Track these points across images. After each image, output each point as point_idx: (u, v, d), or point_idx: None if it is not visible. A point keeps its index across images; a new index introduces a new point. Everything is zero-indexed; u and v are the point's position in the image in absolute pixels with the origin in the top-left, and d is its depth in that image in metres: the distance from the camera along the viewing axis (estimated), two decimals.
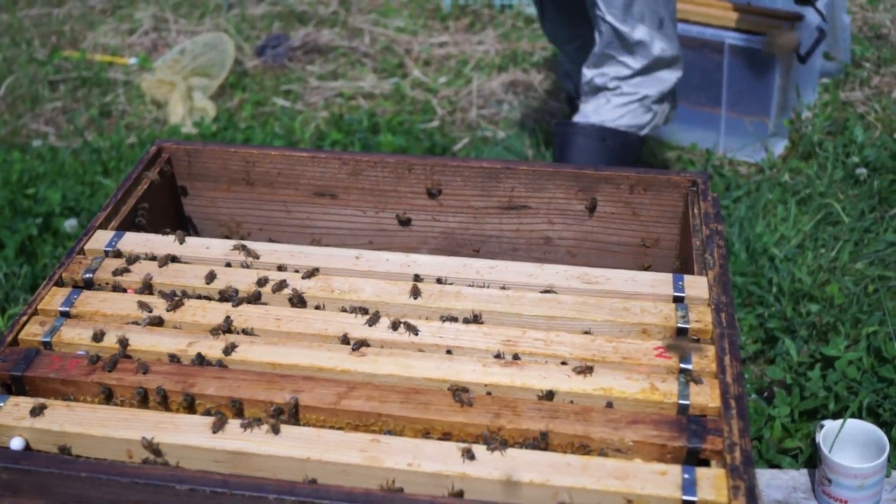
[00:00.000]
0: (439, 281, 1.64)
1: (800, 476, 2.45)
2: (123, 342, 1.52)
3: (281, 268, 1.70)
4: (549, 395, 1.43)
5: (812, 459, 2.47)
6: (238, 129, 3.96)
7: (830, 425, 2.37)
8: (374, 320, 1.56)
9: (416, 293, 1.61)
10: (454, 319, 1.57)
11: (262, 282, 1.64)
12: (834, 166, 3.39)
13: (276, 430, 1.38)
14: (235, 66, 4.43)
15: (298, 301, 1.62)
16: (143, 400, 1.46)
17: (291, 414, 1.42)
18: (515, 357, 1.50)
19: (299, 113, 4.11)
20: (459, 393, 1.41)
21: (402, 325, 1.55)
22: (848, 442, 2.37)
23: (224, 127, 3.97)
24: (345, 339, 1.54)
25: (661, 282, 1.62)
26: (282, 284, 1.64)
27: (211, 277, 1.65)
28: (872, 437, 2.35)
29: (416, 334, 1.54)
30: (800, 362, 2.65)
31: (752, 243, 3.06)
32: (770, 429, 2.52)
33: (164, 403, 1.46)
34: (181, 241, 1.75)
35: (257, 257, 1.71)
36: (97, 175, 3.66)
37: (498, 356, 1.50)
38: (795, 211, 3.20)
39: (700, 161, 3.55)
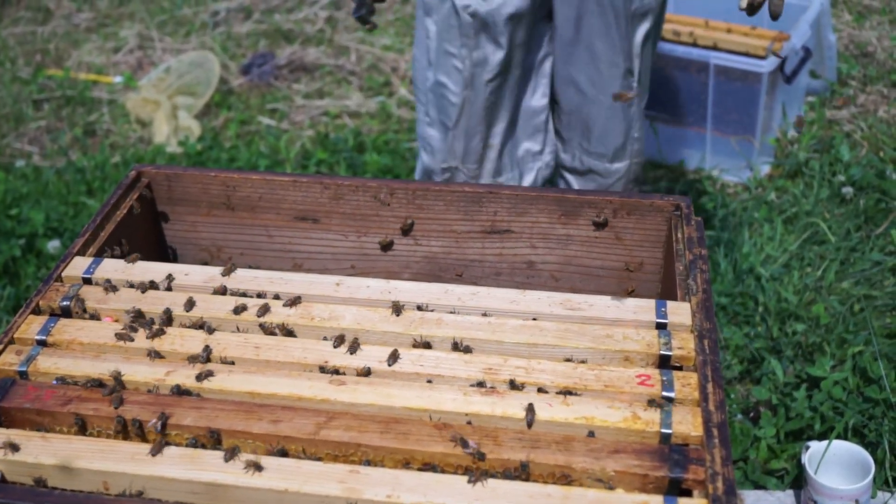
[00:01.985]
0: (420, 308, 1.63)
1: (785, 497, 2.44)
2: (118, 377, 1.51)
3: (261, 295, 1.68)
4: (530, 409, 1.42)
5: (798, 480, 2.47)
6: (223, 149, 3.95)
7: (816, 446, 2.36)
8: (354, 348, 1.55)
9: (397, 311, 1.60)
10: (435, 347, 1.56)
11: (239, 309, 1.63)
12: (820, 185, 3.39)
13: (257, 468, 1.36)
14: (221, 84, 4.42)
15: (283, 332, 1.60)
16: (120, 430, 1.44)
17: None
18: (511, 384, 1.49)
19: (285, 132, 4.10)
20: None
21: (382, 355, 1.54)
22: (833, 463, 2.36)
23: (209, 146, 3.96)
24: (324, 369, 1.52)
25: (643, 308, 1.61)
26: (262, 312, 1.62)
27: (190, 305, 1.64)
28: (858, 457, 2.34)
29: (396, 362, 1.52)
30: (785, 382, 2.64)
31: (738, 263, 3.05)
32: (756, 449, 2.51)
33: (141, 434, 1.44)
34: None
35: (222, 288, 1.70)
36: (81, 195, 3.64)
37: (480, 385, 1.49)
38: (781, 230, 3.20)
39: (686, 181, 3.55)
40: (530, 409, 1.42)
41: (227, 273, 1.71)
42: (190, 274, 1.73)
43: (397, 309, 1.61)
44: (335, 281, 1.69)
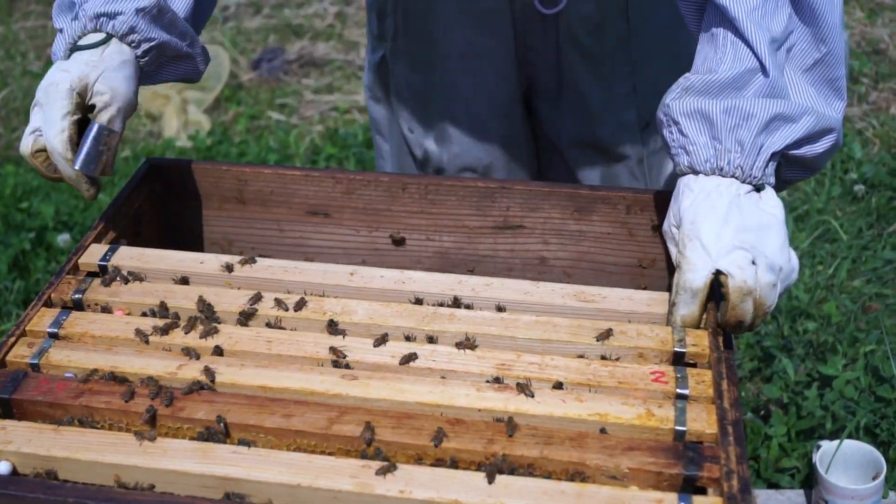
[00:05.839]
0: (441, 304, 1.63)
1: (796, 496, 2.43)
2: (128, 370, 1.50)
3: (274, 289, 1.68)
4: (522, 387, 1.43)
5: (809, 479, 2.46)
6: (232, 143, 3.95)
7: (827, 446, 2.35)
8: (366, 344, 1.54)
9: (418, 303, 1.62)
10: (447, 343, 1.55)
11: (253, 301, 1.62)
12: (832, 183, 3.38)
13: None
14: (230, 79, 4.42)
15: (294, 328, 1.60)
16: (131, 424, 1.44)
17: None
18: (524, 381, 1.48)
19: (294, 127, 4.09)
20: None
21: (396, 351, 1.53)
22: (845, 463, 2.35)
23: (218, 141, 3.96)
24: (335, 363, 1.52)
25: (657, 301, 1.60)
26: (275, 307, 1.62)
27: (203, 302, 1.63)
28: (869, 457, 2.33)
29: (411, 359, 1.52)
30: (797, 381, 2.63)
31: None
32: (767, 448, 2.51)
33: (153, 427, 1.44)
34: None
35: (237, 280, 1.70)
36: None
37: (493, 380, 1.48)
38: (793, 228, 3.18)
39: None
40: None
41: (244, 263, 1.71)
42: (205, 262, 1.72)
43: (416, 301, 1.61)
44: (349, 271, 1.69)
